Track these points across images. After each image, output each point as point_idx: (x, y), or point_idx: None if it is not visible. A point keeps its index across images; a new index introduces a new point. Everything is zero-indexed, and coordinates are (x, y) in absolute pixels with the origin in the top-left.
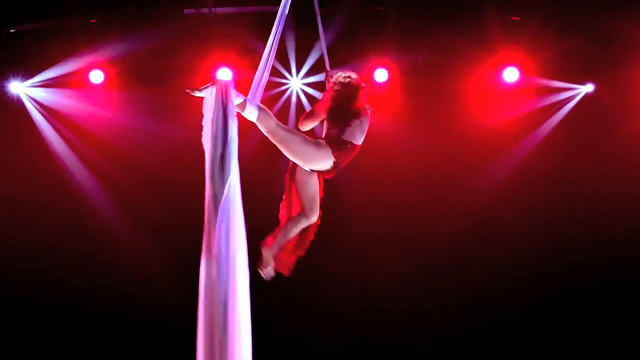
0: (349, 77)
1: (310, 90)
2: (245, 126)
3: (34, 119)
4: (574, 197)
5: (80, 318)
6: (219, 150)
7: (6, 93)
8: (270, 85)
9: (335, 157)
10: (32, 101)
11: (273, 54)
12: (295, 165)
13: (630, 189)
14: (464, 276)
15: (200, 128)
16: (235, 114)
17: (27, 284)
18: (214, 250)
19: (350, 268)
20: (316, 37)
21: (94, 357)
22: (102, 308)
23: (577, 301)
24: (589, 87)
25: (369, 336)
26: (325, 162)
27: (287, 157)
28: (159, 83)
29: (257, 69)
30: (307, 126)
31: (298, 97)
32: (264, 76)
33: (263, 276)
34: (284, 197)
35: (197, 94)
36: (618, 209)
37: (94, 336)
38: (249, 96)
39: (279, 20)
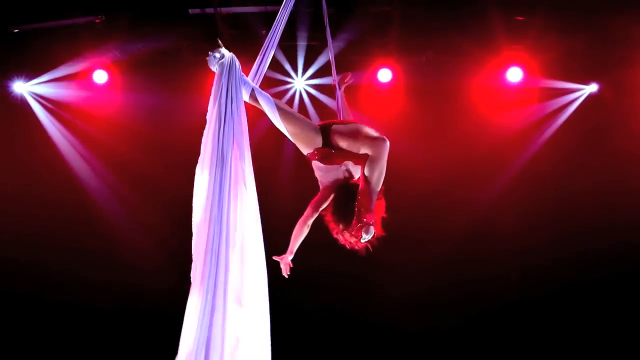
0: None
1: (313, 92)
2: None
3: (37, 118)
4: (579, 196)
5: (82, 311)
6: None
7: (10, 92)
8: (275, 83)
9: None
10: (35, 101)
11: (276, 40)
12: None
13: (635, 187)
14: (468, 275)
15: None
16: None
17: (29, 277)
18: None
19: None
20: (324, 40)
21: (97, 348)
22: (105, 301)
23: (584, 295)
24: (592, 87)
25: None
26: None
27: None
28: (163, 83)
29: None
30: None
31: (301, 97)
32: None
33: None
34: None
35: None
36: (623, 207)
37: (95, 327)
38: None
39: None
